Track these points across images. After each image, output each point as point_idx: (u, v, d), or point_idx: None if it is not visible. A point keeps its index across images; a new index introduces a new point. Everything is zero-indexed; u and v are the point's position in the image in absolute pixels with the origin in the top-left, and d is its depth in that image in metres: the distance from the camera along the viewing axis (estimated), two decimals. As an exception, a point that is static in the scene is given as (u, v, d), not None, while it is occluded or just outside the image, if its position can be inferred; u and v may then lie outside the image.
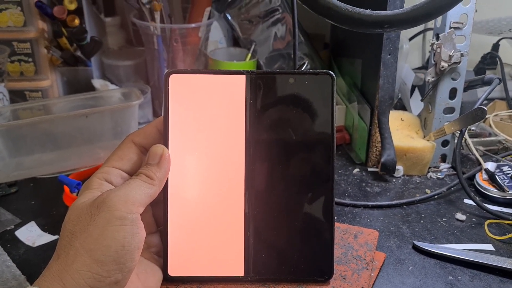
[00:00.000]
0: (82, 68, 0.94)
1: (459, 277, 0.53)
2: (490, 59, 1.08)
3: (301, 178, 0.47)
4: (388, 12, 0.45)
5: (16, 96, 0.90)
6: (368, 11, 0.46)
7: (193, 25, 0.90)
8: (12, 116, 0.77)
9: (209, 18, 0.93)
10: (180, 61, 0.92)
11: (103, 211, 0.38)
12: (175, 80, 0.46)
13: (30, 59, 0.88)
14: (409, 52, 0.97)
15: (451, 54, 0.69)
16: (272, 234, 0.47)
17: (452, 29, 0.69)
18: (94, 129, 0.75)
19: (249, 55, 0.98)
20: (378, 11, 0.46)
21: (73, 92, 0.94)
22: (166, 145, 0.46)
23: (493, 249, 0.58)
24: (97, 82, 0.92)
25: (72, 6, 0.88)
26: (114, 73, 0.98)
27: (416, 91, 0.97)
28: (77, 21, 0.90)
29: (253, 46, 1.00)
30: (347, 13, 0.46)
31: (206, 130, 0.46)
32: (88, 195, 0.41)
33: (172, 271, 0.47)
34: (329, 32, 1.09)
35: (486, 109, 0.62)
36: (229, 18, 1.01)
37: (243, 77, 0.46)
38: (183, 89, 0.46)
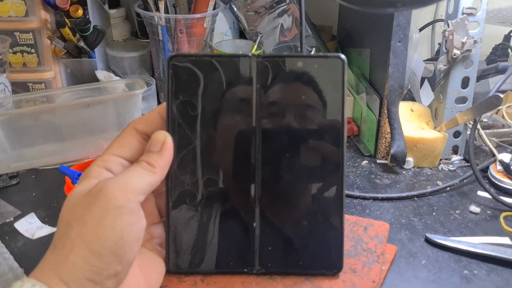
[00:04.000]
0: (86, 59, 0.92)
1: (475, 271, 0.51)
2: (502, 51, 1.06)
3: (310, 167, 0.45)
4: (401, -9, 0.43)
5: (19, 88, 0.88)
6: (380, -9, 0.44)
7: (198, 15, 0.88)
8: (14, 108, 0.75)
9: (214, 8, 0.91)
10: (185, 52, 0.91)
11: (100, 200, 0.36)
12: (178, 64, 0.44)
13: (32, 50, 0.87)
14: (418, 43, 0.95)
15: (464, 41, 0.67)
16: (280, 226, 0.45)
17: (465, 15, 0.67)
18: (97, 120, 0.73)
19: (255, 46, 0.96)
20: (390, -10, 0.44)
21: (77, 84, 0.92)
22: (169, 131, 0.44)
23: (510, 243, 0.56)
24: (101, 74, 0.90)
25: (75, -4, 0.87)
26: (118, 65, 0.96)
27: (426, 83, 0.95)
28: (80, 12, 0.88)
29: (259, 38, 0.98)
30: (357, -7, 0.44)
31: (211, 116, 0.44)
32: (86, 184, 0.39)
33: (175, 264, 0.45)
34: (336, 23, 1.07)
35: (502, 96, 0.59)
36: (235, 9, 0.99)
37: (249, 60, 0.44)
38: (187, 73, 0.44)
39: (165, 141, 0.42)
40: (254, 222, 0.45)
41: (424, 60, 1.08)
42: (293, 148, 0.45)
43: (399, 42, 0.68)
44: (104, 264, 0.36)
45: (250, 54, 0.44)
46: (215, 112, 0.44)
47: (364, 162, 0.76)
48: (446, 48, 0.69)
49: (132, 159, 0.43)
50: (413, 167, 0.74)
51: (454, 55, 0.67)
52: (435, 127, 0.76)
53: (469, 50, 0.68)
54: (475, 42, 0.67)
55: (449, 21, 0.68)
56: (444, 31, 0.69)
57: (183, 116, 0.44)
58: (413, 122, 0.78)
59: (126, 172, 0.40)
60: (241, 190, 0.45)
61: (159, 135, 0.43)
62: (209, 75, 0.44)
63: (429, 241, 0.56)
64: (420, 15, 1.14)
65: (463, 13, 0.67)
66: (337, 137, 0.45)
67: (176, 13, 0.90)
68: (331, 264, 0.46)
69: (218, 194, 0.45)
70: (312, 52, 0.61)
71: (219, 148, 0.45)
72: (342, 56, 0.44)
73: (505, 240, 0.56)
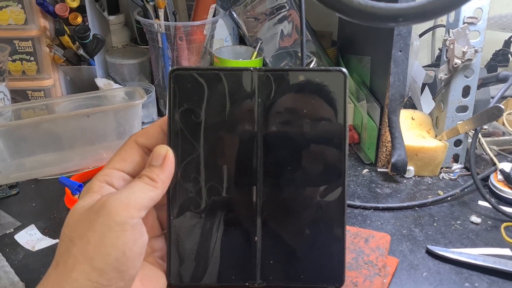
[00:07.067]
0: (86, 66, 0.92)
1: (476, 284, 0.51)
2: (502, 56, 1.06)
3: (311, 180, 0.45)
4: (403, 4, 0.43)
5: (18, 95, 0.88)
6: (381, 4, 0.44)
7: (198, 22, 0.88)
8: (14, 116, 0.75)
9: (214, 15, 0.91)
10: (185, 59, 0.91)
11: (102, 216, 0.36)
12: (180, 78, 0.44)
13: (32, 58, 0.86)
14: (419, 49, 0.95)
15: (464, 50, 0.67)
16: (281, 239, 0.45)
17: (466, 24, 0.67)
18: (97, 129, 0.73)
19: (255, 53, 0.96)
20: (391, 4, 0.44)
21: (77, 91, 0.92)
22: (170, 145, 0.44)
23: (511, 254, 0.56)
24: (100, 81, 0.90)
25: (75, 4, 0.86)
26: (118, 72, 0.96)
27: (426, 90, 0.95)
28: (79, 19, 0.88)
29: (259, 44, 0.98)
30: (358, 6, 0.44)
31: (213, 129, 0.44)
32: (88, 199, 0.39)
33: (176, 278, 0.45)
34: (336, 29, 1.07)
35: (503, 107, 0.59)
36: (235, 15, 0.99)
37: (251, 73, 0.44)
38: (188, 87, 0.44)
39: (167, 155, 0.42)
40: (256, 236, 0.45)
41: (424, 66, 1.08)
42: (295, 161, 0.45)
43: (400, 51, 0.68)
44: (106, 280, 0.36)
45: (251, 68, 0.44)
46: (216, 125, 0.44)
47: (365, 171, 0.75)
48: (447, 57, 0.69)
49: (134, 173, 0.43)
50: (414, 176, 0.74)
51: (455, 64, 0.67)
52: (436, 136, 0.76)
53: (470, 59, 0.67)
54: (476, 51, 0.67)
55: (450, 30, 0.68)
56: (445, 40, 0.69)
57: (184, 129, 0.44)
58: (414, 130, 0.78)
59: (128, 188, 0.39)
60: (242, 202, 0.45)
61: (161, 149, 0.42)
62: (210, 88, 0.44)
63: (430, 253, 0.56)
64: (420, 21, 1.13)
65: (464, 22, 0.67)
66: (338, 150, 0.44)
67: (175, 21, 0.90)
68: (333, 278, 0.45)
69: (220, 206, 0.45)
70: (313, 63, 0.61)
71: (219, 161, 0.44)
72: (344, 69, 0.43)
73: (506, 251, 0.56)
